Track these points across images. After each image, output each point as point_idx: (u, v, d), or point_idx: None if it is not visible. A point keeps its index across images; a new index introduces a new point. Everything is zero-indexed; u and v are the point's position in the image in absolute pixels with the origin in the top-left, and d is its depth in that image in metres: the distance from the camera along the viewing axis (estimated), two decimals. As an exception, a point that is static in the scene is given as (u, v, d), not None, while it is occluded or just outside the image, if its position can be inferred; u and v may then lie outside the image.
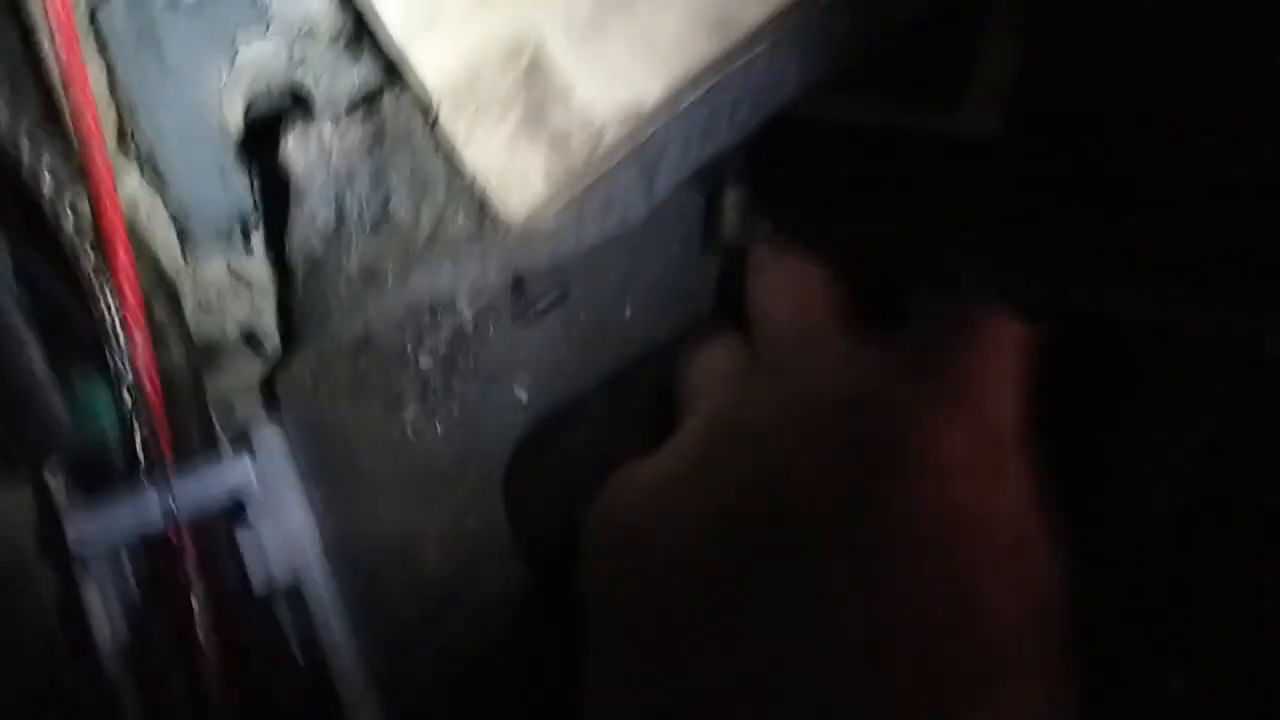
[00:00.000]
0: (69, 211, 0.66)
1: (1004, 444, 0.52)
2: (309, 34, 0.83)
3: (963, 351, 0.56)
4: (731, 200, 0.77)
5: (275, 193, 0.79)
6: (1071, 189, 0.58)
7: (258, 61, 0.83)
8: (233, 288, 0.81)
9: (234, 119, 0.83)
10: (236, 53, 0.83)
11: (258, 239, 0.82)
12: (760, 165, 0.77)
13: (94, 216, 0.67)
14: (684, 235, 0.80)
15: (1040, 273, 0.62)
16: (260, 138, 0.84)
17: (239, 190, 0.82)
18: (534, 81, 0.68)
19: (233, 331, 0.80)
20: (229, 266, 0.81)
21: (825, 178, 0.76)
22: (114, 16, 0.78)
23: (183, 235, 0.80)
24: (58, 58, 0.67)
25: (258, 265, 0.81)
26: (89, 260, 0.67)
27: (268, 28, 0.82)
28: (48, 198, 0.66)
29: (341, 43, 0.82)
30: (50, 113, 0.70)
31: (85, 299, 0.68)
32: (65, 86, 0.68)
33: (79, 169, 0.66)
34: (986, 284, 0.63)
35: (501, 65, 0.69)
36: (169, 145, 0.80)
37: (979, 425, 0.51)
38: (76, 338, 0.70)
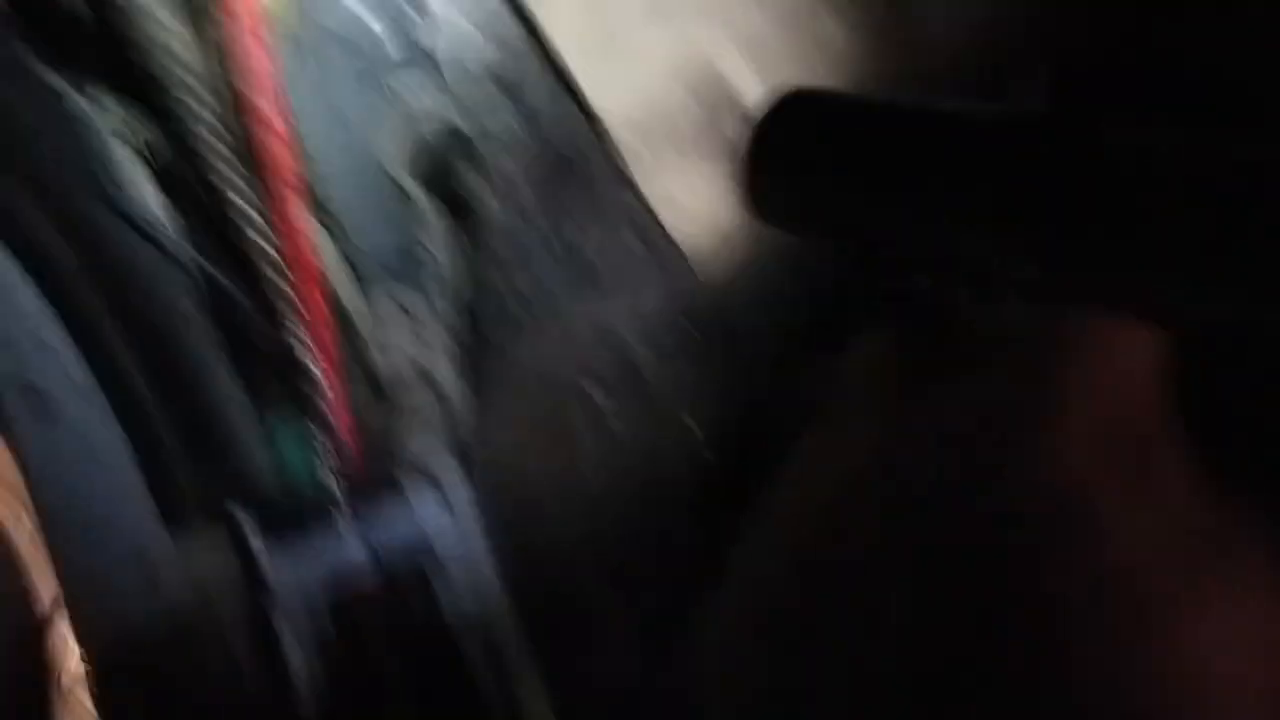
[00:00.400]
0: (266, 248, 0.67)
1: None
2: (468, 74, 0.84)
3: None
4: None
5: (447, 228, 0.80)
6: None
7: (420, 104, 0.84)
8: (406, 324, 0.81)
9: (398, 158, 0.84)
10: (399, 96, 0.84)
11: (429, 275, 0.82)
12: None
13: (286, 256, 0.67)
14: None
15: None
16: (428, 176, 0.84)
17: (408, 227, 0.83)
18: (715, 99, 0.68)
19: (408, 368, 0.80)
20: (401, 303, 0.82)
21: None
22: (290, 70, 0.79)
23: (356, 274, 0.81)
24: (256, 107, 0.68)
25: (430, 301, 0.81)
26: (285, 299, 0.67)
27: (429, 71, 0.83)
28: (251, 240, 0.67)
29: (504, 80, 0.83)
30: (249, 158, 0.72)
31: (281, 338, 0.68)
32: (262, 134, 0.69)
33: (272, 212, 0.67)
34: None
35: (677, 84, 0.68)
36: (339, 188, 0.81)
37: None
38: (269, 378, 0.71)
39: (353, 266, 0.80)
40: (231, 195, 0.68)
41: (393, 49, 0.83)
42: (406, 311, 0.81)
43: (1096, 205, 0.50)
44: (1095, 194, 0.50)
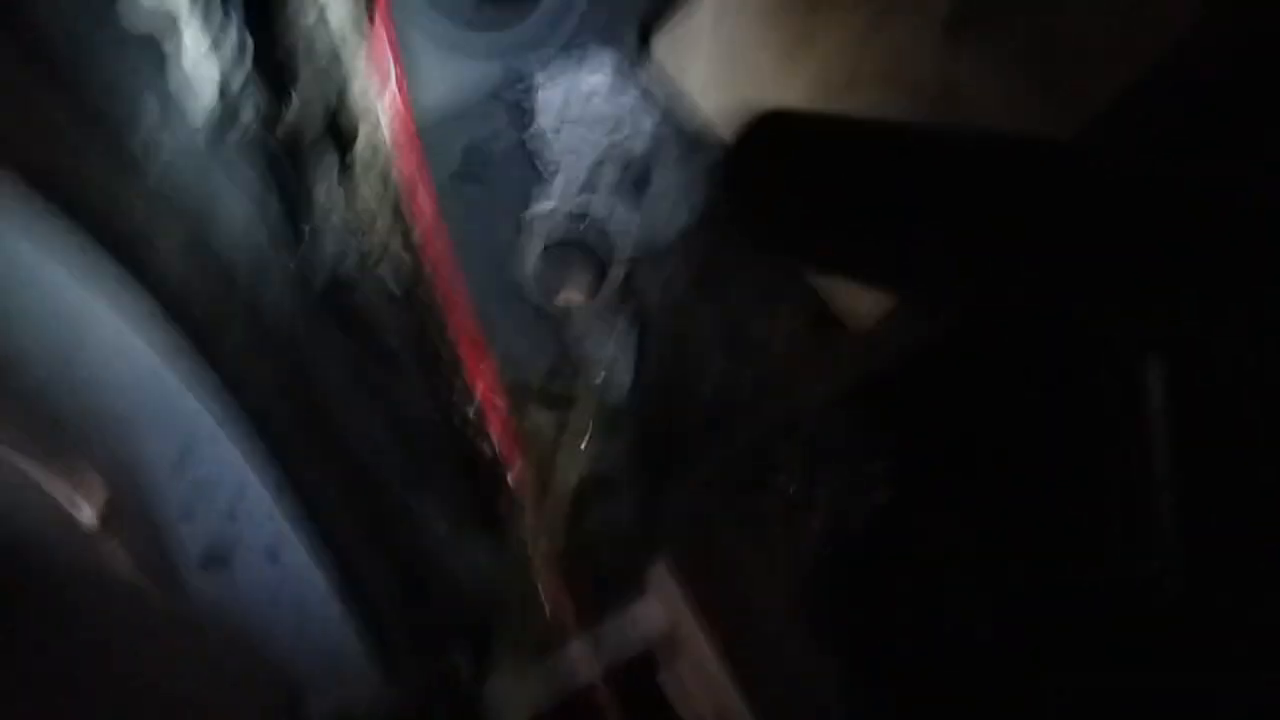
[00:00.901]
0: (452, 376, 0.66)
1: None
2: (590, 188, 0.86)
3: None
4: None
5: (606, 334, 0.80)
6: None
7: (543, 221, 0.85)
8: (567, 434, 0.80)
9: (530, 268, 0.84)
10: (521, 217, 0.85)
11: (581, 383, 0.82)
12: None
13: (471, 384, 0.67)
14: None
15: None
16: (553, 292, 0.85)
17: (548, 337, 0.83)
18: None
19: (578, 477, 0.79)
20: (557, 414, 0.81)
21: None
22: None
23: (511, 388, 0.81)
24: (422, 217, 0.69)
25: (586, 409, 0.81)
26: (479, 419, 0.67)
27: (549, 187, 0.85)
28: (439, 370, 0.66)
29: (627, 190, 0.84)
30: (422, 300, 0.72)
31: (480, 465, 0.67)
32: (436, 275, 0.69)
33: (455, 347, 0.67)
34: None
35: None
36: (494, 318, 0.81)
37: None
38: (469, 504, 0.70)
39: (508, 380, 0.80)
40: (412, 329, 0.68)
41: (519, 178, 0.85)
42: (564, 420, 0.80)
43: (1069, 223, 0.51)
44: (1069, 212, 0.51)
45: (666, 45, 0.73)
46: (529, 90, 0.85)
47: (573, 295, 0.85)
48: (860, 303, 0.70)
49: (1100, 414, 0.73)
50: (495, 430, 0.69)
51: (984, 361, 0.76)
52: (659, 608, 0.68)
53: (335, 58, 0.63)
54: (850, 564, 0.76)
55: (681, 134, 0.77)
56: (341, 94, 0.65)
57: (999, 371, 0.76)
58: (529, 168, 0.85)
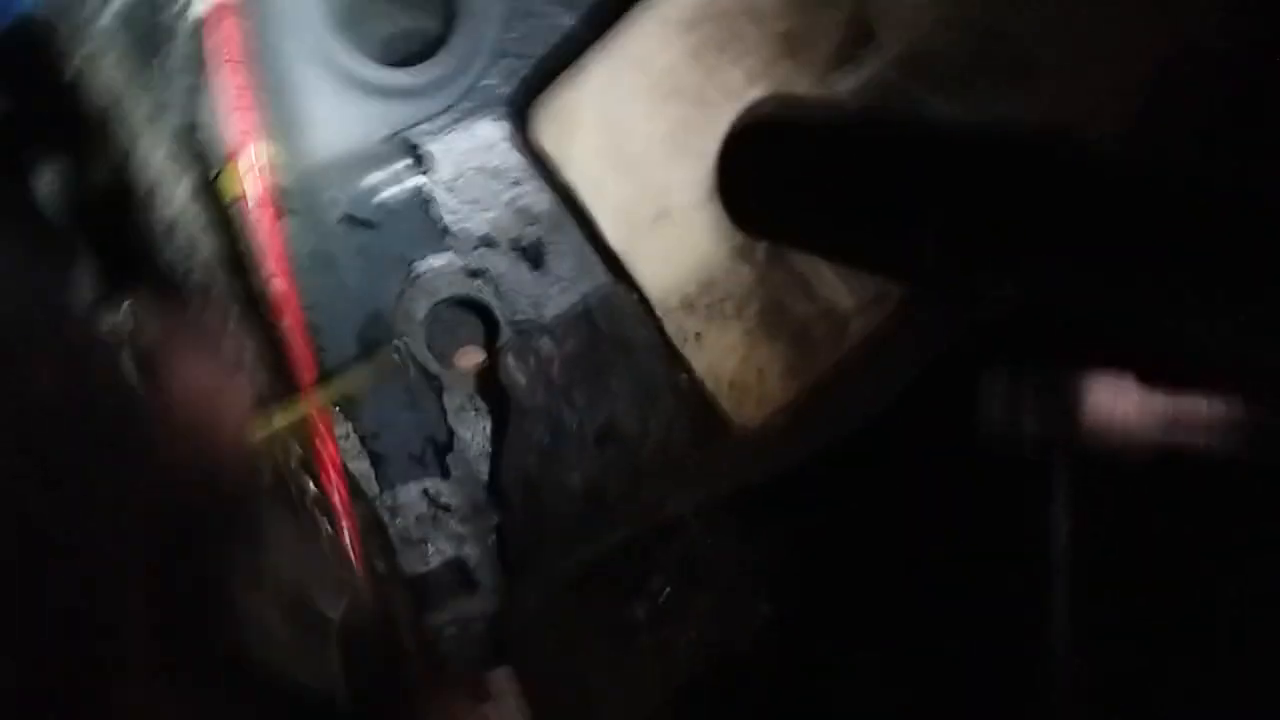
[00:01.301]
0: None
1: None
2: (489, 243, 0.80)
3: None
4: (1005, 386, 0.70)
5: (476, 410, 0.74)
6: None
7: (436, 274, 0.79)
8: (433, 515, 0.75)
9: (417, 333, 0.79)
10: (413, 267, 0.79)
11: (455, 461, 0.76)
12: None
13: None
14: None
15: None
16: (442, 354, 0.79)
17: (428, 408, 0.77)
18: (772, 274, 0.64)
19: (437, 563, 0.73)
20: (426, 491, 0.76)
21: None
22: (291, 234, 0.74)
23: (376, 461, 0.75)
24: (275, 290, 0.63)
25: (456, 489, 0.75)
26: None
27: (444, 239, 0.79)
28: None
29: (527, 251, 0.79)
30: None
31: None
32: (278, 321, 0.64)
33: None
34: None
35: (736, 259, 0.64)
36: (360, 374, 0.76)
37: None
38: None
39: (372, 451, 0.74)
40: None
41: (407, 219, 0.79)
42: (432, 499, 0.75)
43: (1061, 215, 0.47)
44: (1061, 204, 0.47)
45: (548, 116, 0.67)
46: (429, 135, 0.80)
47: (468, 358, 0.79)
48: (746, 403, 0.64)
49: (1000, 533, 0.67)
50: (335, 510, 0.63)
51: (877, 469, 0.70)
52: (490, 712, 0.62)
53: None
54: (726, 684, 0.70)
55: (573, 209, 0.71)
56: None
57: (892, 481, 0.71)
58: (420, 220, 0.80)
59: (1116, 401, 0.67)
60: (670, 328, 0.66)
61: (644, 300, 0.67)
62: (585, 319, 0.69)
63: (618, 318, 0.68)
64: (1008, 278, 0.50)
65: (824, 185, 0.57)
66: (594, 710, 0.68)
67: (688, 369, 0.66)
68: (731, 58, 0.64)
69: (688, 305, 0.65)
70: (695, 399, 0.66)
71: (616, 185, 0.66)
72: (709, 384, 0.65)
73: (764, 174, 0.61)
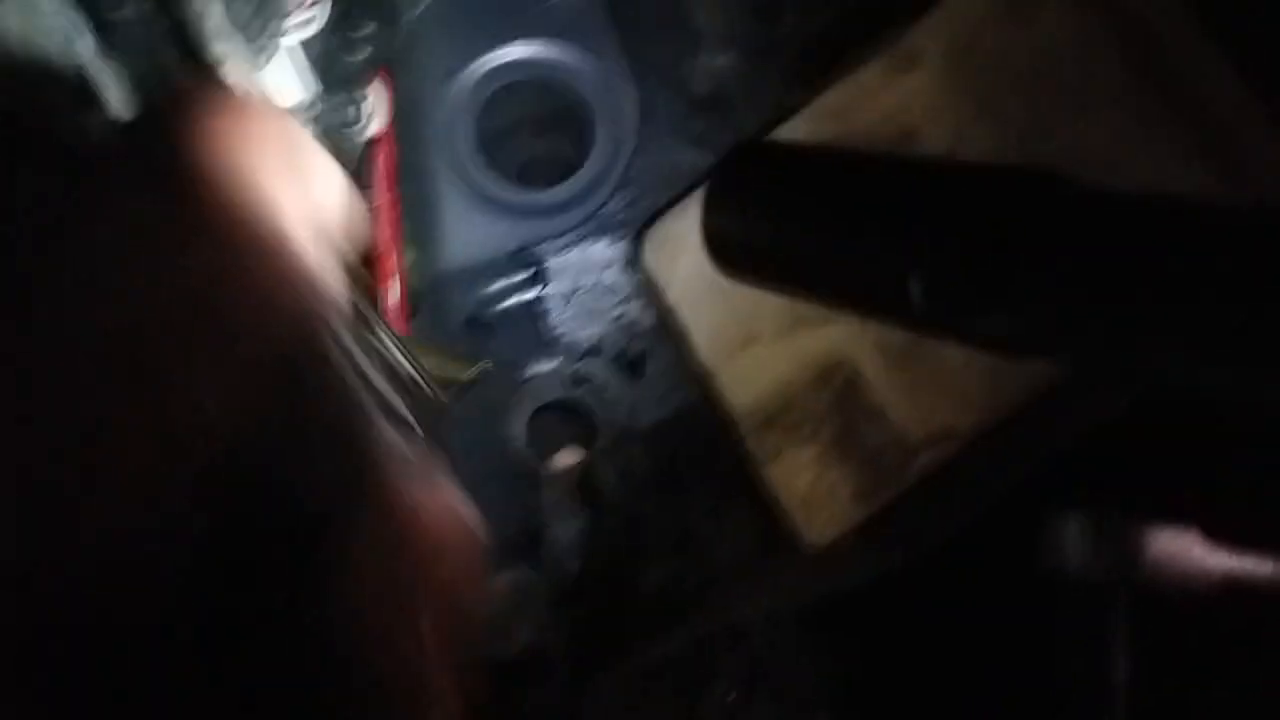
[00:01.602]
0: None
1: None
2: (594, 353, 0.87)
3: None
4: (1076, 529, 0.73)
5: (567, 511, 0.80)
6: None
7: (543, 379, 0.86)
8: (520, 603, 0.80)
9: (518, 435, 0.85)
10: (522, 372, 0.86)
11: (545, 552, 0.82)
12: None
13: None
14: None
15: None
16: (543, 453, 0.85)
17: (526, 504, 0.83)
18: (848, 402, 0.68)
19: (519, 651, 0.78)
20: (516, 581, 0.81)
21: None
22: (417, 330, 0.82)
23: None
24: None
25: (545, 581, 0.80)
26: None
27: (554, 347, 0.86)
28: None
29: (629, 364, 0.85)
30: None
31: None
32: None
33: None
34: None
35: (815, 385, 0.69)
36: (457, 459, 0.82)
37: None
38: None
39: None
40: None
41: (526, 335, 0.86)
42: (522, 589, 0.80)
43: (1050, 249, 0.46)
44: (1052, 238, 0.47)
45: (656, 242, 0.74)
46: (551, 253, 0.87)
47: (566, 457, 0.85)
48: (816, 521, 0.68)
49: (1058, 668, 0.69)
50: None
51: (941, 595, 0.73)
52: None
53: None
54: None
55: (673, 329, 0.78)
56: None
57: (954, 608, 0.73)
58: (534, 328, 0.87)
59: (1179, 555, 0.69)
60: (750, 443, 0.70)
61: (728, 416, 0.71)
62: (674, 430, 0.74)
63: (703, 431, 0.73)
64: (1001, 315, 0.50)
65: (808, 225, 0.59)
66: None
67: (764, 485, 0.70)
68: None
69: (769, 424, 0.69)
70: (768, 513, 0.70)
71: (711, 309, 0.72)
72: (782, 499, 0.69)
73: (747, 215, 0.63)
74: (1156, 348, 0.45)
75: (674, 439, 0.73)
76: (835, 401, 0.67)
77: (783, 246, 0.58)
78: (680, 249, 0.73)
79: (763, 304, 0.70)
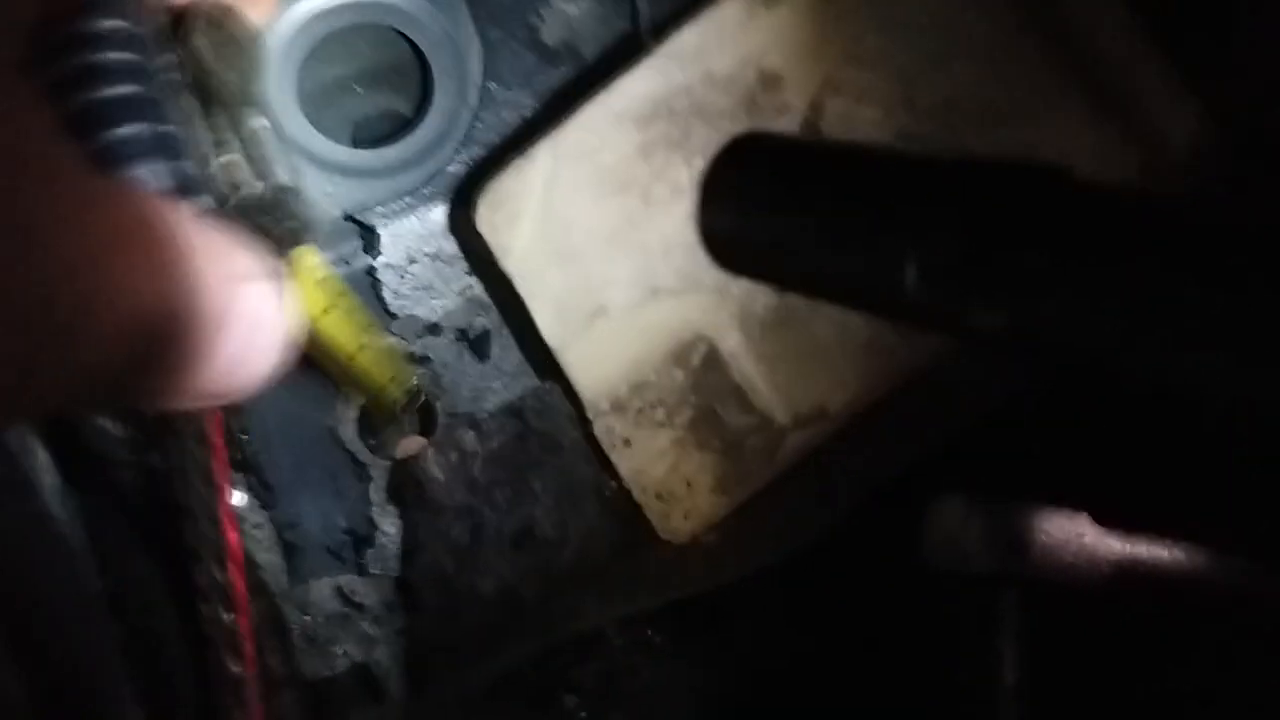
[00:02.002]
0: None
1: None
2: (434, 332, 0.77)
3: None
4: (962, 518, 0.66)
5: (396, 507, 0.71)
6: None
7: (376, 359, 0.76)
8: (344, 614, 0.71)
9: (349, 419, 0.76)
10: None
11: (373, 557, 0.72)
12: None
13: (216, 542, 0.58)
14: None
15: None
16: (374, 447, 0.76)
17: (353, 497, 0.74)
18: (707, 382, 0.60)
19: (343, 667, 0.69)
20: (340, 589, 0.71)
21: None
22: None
23: (290, 552, 0.71)
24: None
25: (372, 586, 0.71)
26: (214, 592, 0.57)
27: (390, 323, 0.76)
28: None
29: (473, 343, 0.76)
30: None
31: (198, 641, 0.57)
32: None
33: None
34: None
35: (670, 363, 0.61)
36: (276, 450, 0.73)
37: None
38: (177, 689, 0.60)
39: (287, 542, 0.71)
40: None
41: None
42: (346, 597, 0.70)
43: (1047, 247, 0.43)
44: (1055, 230, 0.44)
45: (491, 203, 0.65)
46: (383, 218, 0.78)
47: (400, 448, 0.76)
48: (673, 515, 0.60)
49: (940, 661, 0.63)
50: (237, 608, 0.59)
51: (812, 592, 0.66)
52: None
53: None
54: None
55: (510, 300, 0.69)
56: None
57: (827, 605, 0.66)
58: (371, 300, 0.77)
59: (1069, 540, 0.63)
60: (599, 430, 0.62)
61: (576, 401, 0.63)
62: (515, 415, 0.66)
63: (549, 417, 0.65)
64: (993, 306, 0.46)
65: (801, 216, 0.54)
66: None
67: (615, 475, 0.62)
68: (683, 157, 0.62)
69: (618, 408, 0.61)
70: (620, 507, 0.62)
71: (555, 278, 0.63)
72: (635, 492, 0.61)
73: (740, 207, 0.58)
74: (1159, 343, 0.42)
75: (514, 425, 0.65)
76: (693, 381, 0.60)
77: (780, 236, 0.54)
78: (517, 212, 0.65)
79: (612, 271, 0.62)
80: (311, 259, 0.68)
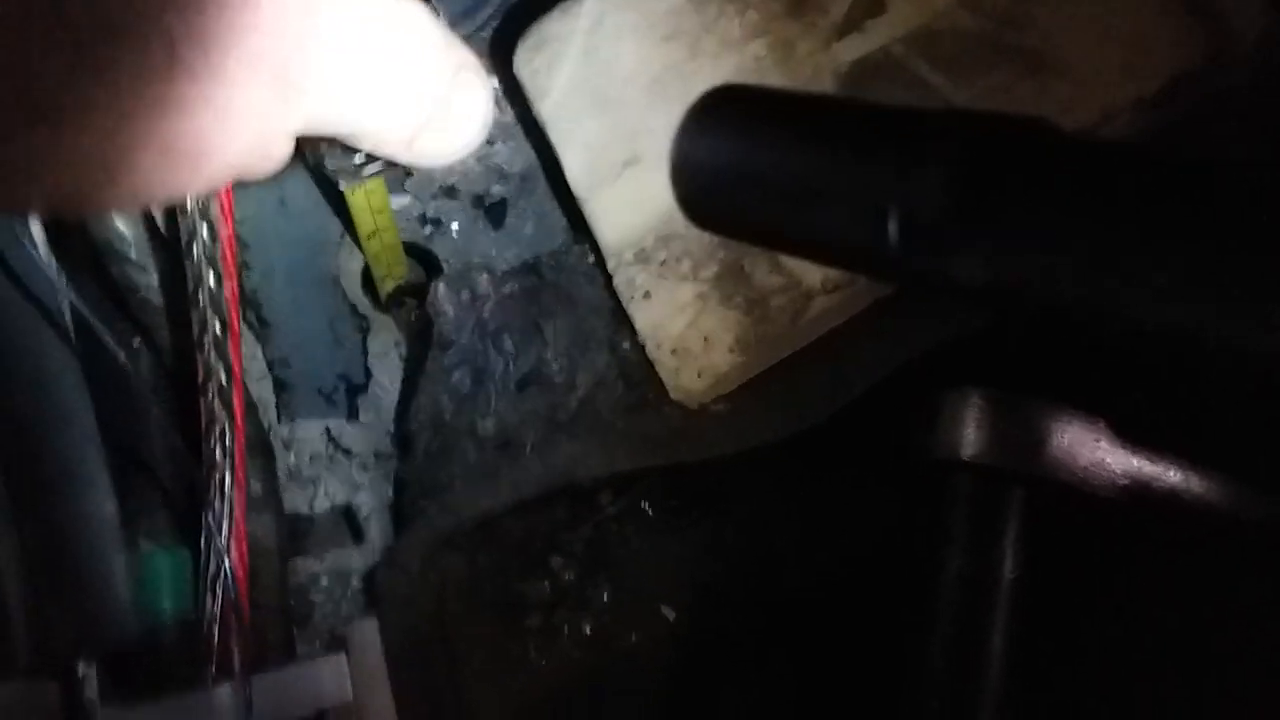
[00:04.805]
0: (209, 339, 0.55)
1: None
2: (450, 194, 0.75)
3: None
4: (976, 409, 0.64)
5: (400, 354, 0.68)
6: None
7: (396, 214, 0.74)
8: (330, 455, 0.68)
9: (353, 266, 0.73)
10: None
11: (366, 405, 0.70)
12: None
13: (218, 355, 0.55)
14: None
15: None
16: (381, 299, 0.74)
17: (350, 346, 0.72)
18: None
19: (324, 507, 0.66)
20: (328, 431, 0.69)
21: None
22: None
23: (281, 389, 0.69)
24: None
25: (361, 433, 0.69)
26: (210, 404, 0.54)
27: (404, 181, 0.74)
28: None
29: (489, 210, 0.74)
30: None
31: (180, 447, 0.55)
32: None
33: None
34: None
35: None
36: (277, 287, 0.70)
37: None
38: (153, 493, 0.57)
39: (280, 380, 0.68)
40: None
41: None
42: (334, 439, 0.68)
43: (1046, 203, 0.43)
44: (1039, 182, 0.43)
45: (533, 45, 0.63)
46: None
47: (405, 301, 0.74)
48: (685, 372, 0.58)
49: (946, 556, 0.61)
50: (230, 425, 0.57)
51: (815, 477, 0.64)
52: (349, 670, 0.55)
53: None
54: (611, 684, 0.63)
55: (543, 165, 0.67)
56: None
57: (827, 492, 0.65)
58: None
59: (1084, 449, 0.62)
60: (619, 281, 0.60)
61: (597, 251, 0.61)
62: (531, 271, 0.64)
63: (565, 271, 0.63)
64: (976, 256, 0.45)
65: (782, 170, 0.53)
66: (461, 685, 0.60)
67: (631, 330, 0.60)
68: (736, 9, 0.61)
69: (642, 259, 0.60)
70: (632, 360, 0.60)
71: (591, 124, 0.62)
72: (649, 348, 0.59)
73: (719, 164, 0.57)
74: (1142, 290, 0.41)
75: (529, 276, 0.63)
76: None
77: (761, 192, 0.52)
78: (559, 55, 0.63)
79: (651, 120, 0.61)
80: None
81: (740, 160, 0.54)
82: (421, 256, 0.73)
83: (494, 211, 0.75)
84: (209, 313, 0.54)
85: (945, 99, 0.58)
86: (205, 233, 0.54)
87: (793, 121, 0.53)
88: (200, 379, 0.54)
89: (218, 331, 0.53)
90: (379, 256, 0.70)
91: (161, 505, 0.56)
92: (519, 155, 0.74)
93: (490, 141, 0.75)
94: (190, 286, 0.55)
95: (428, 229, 0.75)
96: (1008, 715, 0.57)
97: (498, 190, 0.75)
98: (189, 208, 0.55)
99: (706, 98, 0.54)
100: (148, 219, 0.60)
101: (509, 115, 0.74)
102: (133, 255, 0.58)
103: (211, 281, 0.54)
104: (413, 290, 0.72)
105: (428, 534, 0.60)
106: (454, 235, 0.74)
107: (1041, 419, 0.61)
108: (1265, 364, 0.41)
